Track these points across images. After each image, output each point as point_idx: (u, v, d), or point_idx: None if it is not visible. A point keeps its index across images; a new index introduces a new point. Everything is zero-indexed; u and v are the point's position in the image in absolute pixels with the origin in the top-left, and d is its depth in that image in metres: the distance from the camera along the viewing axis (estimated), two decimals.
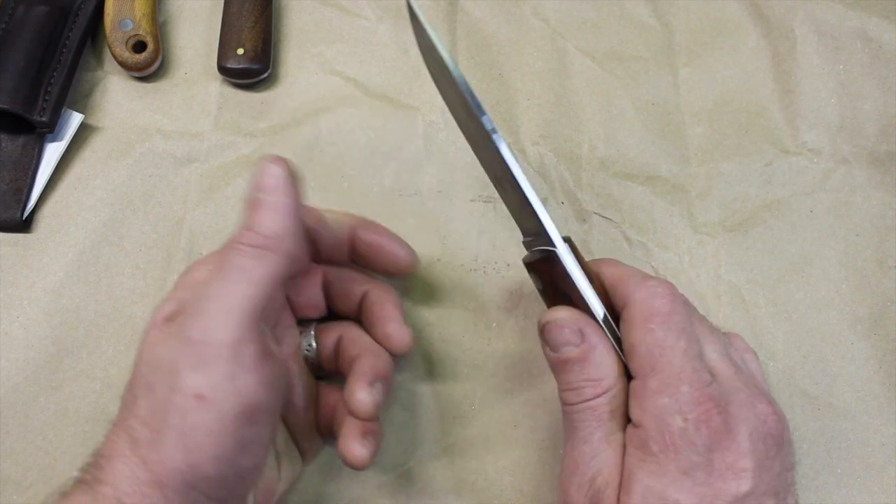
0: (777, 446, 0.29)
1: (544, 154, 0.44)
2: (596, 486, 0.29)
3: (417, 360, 0.39)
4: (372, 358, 0.34)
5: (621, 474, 0.29)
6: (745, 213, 0.43)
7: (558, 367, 0.32)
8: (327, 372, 0.36)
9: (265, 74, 0.44)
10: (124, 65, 0.44)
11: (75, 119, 0.42)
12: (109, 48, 0.44)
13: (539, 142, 0.44)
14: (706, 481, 0.27)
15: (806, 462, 0.38)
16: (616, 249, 0.42)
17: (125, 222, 0.41)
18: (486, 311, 0.40)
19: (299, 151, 0.43)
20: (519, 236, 0.34)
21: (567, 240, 0.32)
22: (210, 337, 0.27)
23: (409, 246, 0.36)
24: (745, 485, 0.27)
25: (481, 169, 0.43)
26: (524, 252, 0.34)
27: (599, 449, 0.30)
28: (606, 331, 0.31)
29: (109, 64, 0.45)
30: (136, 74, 0.44)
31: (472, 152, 0.34)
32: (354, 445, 0.31)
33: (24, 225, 0.41)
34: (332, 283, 0.36)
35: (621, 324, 0.31)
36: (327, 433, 0.35)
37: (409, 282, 0.40)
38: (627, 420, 0.30)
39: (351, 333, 0.36)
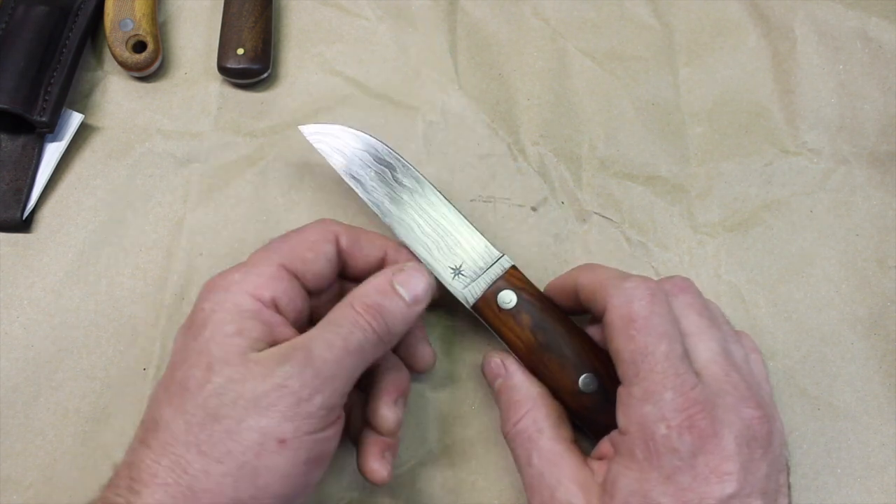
0: (763, 448, 0.29)
1: (544, 154, 0.44)
2: (560, 501, 0.30)
3: None
4: (394, 373, 0.34)
5: (587, 479, 0.30)
6: (745, 213, 0.43)
7: (497, 400, 0.35)
8: None
9: (265, 74, 0.44)
10: (124, 65, 0.44)
11: (75, 119, 0.42)
12: (109, 48, 0.44)
13: (539, 142, 0.44)
14: (690, 486, 0.27)
15: (806, 462, 0.38)
16: (616, 249, 0.42)
17: (125, 222, 0.41)
18: None
19: (299, 152, 0.43)
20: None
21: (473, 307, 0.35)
22: (312, 396, 0.28)
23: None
24: (729, 487, 0.27)
25: (481, 169, 0.43)
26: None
27: (543, 467, 0.31)
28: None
29: (109, 64, 0.45)
30: (136, 74, 0.44)
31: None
32: (376, 464, 0.33)
33: (24, 225, 0.41)
34: None
35: (604, 330, 0.32)
36: (343, 436, 0.35)
37: None
38: (573, 432, 0.33)
39: None
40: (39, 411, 0.37)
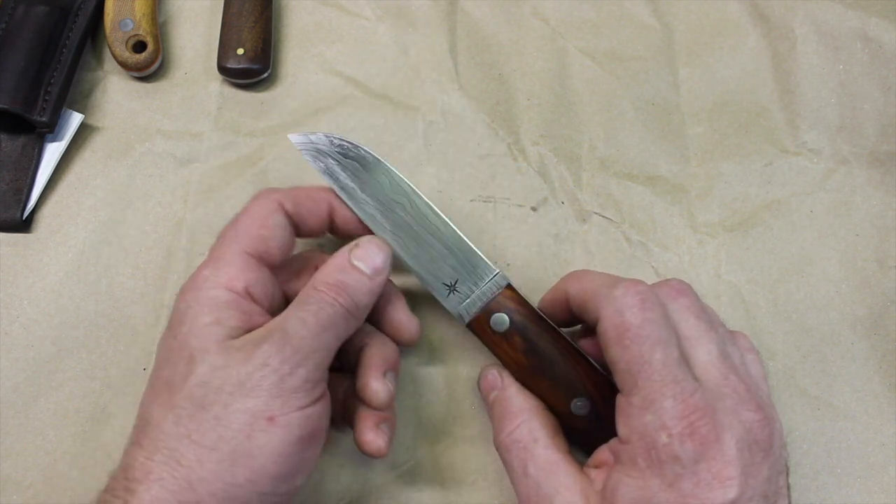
0: (764, 451, 0.29)
1: (544, 154, 0.44)
2: None
3: (417, 359, 0.39)
4: (379, 346, 0.34)
5: (586, 488, 0.30)
6: (745, 213, 0.43)
7: (490, 412, 0.35)
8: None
9: (265, 74, 0.44)
10: (124, 65, 0.44)
11: (75, 119, 0.42)
12: (109, 48, 0.44)
13: (539, 142, 0.44)
14: (692, 492, 0.28)
15: (806, 462, 0.38)
16: (616, 249, 0.42)
17: (125, 222, 0.41)
18: None
19: (299, 152, 0.43)
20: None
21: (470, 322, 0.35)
22: (294, 371, 0.28)
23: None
24: (731, 492, 0.27)
25: (481, 169, 0.43)
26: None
27: (540, 477, 0.31)
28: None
29: (109, 64, 0.45)
30: (136, 74, 0.44)
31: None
32: (371, 435, 0.32)
33: (24, 225, 0.41)
34: None
35: (598, 339, 0.31)
36: (340, 423, 0.35)
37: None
38: (563, 442, 0.33)
39: None
40: (39, 411, 0.37)
